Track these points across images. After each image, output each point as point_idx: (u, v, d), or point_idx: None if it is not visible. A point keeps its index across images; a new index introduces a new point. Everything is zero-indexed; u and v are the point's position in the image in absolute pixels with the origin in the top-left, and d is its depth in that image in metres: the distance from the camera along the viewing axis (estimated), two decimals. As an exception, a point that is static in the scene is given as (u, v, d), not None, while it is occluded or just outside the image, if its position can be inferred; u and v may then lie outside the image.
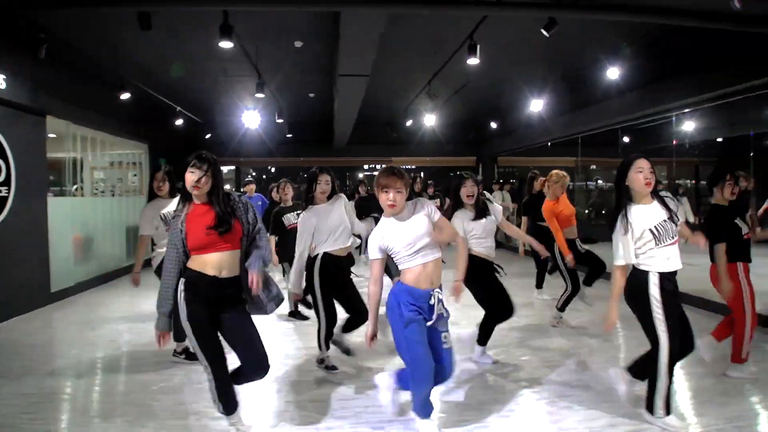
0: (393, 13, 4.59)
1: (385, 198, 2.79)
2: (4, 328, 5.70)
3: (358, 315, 3.90)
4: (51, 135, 7.83)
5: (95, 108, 7.87)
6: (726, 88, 6.11)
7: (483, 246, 4.07)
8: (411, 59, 7.39)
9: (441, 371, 2.88)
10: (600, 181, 15.25)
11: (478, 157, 13.95)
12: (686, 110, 7.18)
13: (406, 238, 2.79)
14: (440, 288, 2.90)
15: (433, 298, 2.81)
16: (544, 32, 5.24)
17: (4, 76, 5.78)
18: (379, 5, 4.06)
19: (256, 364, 2.79)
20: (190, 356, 4.41)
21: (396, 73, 8.11)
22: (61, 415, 3.44)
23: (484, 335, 4.19)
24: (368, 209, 8.91)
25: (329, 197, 3.98)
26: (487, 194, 4.27)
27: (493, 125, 12.19)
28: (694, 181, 12.13)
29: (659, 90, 7.14)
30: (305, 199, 4.03)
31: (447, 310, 2.91)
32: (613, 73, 6.46)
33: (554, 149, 12.19)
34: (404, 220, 2.84)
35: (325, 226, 3.84)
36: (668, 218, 2.94)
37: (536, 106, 8.59)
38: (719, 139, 11.11)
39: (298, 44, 6.58)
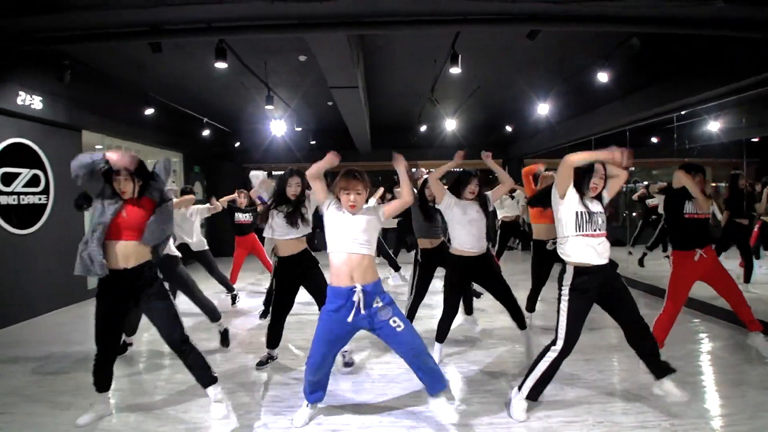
0: (352, 34, 4.94)
1: (346, 199, 3.03)
2: (42, 320, 6.46)
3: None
4: (98, 147, 8.68)
5: (127, 121, 8.63)
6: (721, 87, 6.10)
7: (465, 236, 4.21)
8: (411, 68, 7.71)
9: (413, 348, 3.09)
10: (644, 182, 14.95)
11: (504, 159, 14.06)
12: (692, 109, 7.14)
13: (344, 228, 3.03)
14: (374, 284, 3.04)
15: (356, 294, 2.97)
16: (529, 39, 5.50)
17: (41, 98, 6.55)
18: (336, 29, 4.40)
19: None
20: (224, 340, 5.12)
21: (399, 82, 8.46)
22: (65, 396, 4.02)
23: (439, 333, 4.38)
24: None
25: (299, 198, 4.18)
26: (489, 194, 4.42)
27: (513, 128, 12.32)
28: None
29: (658, 91, 7.19)
30: (275, 199, 4.22)
31: (385, 297, 3.08)
32: (603, 77, 6.57)
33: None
34: (353, 215, 3.07)
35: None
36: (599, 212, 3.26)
37: (543, 110, 8.73)
38: (755, 139, 10.75)
39: (302, 58, 7.03)
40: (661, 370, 3.34)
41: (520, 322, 4.38)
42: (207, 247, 6.56)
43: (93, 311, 3.29)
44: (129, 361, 4.70)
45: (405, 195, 3.24)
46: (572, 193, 3.24)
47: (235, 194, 6.38)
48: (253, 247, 7.70)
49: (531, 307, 5.46)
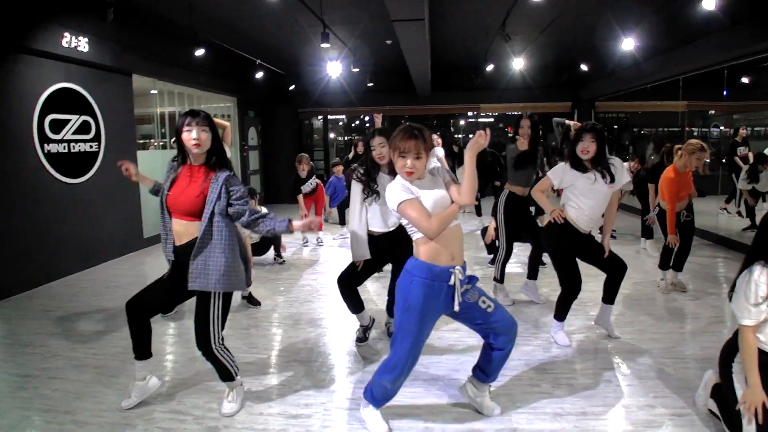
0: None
1: (402, 164, 2.42)
2: (97, 270, 6.37)
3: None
4: (152, 91, 8.44)
5: (179, 65, 8.24)
6: None
7: (579, 208, 3.58)
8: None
9: (505, 333, 2.62)
10: (722, 128, 13.65)
11: (573, 101, 12.99)
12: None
13: (428, 203, 2.41)
14: (464, 266, 2.49)
15: (453, 277, 2.42)
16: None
17: (87, 40, 6.20)
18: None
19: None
20: (252, 301, 4.79)
21: (467, 15, 7.63)
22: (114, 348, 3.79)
23: (558, 310, 3.82)
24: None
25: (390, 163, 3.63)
26: (616, 160, 3.63)
27: (589, 67, 11.21)
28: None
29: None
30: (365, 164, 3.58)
31: (474, 278, 2.55)
32: (709, 3, 5.59)
33: (658, 93, 11.04)
34: (425, 187, 2.46)
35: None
36: None
37: (628, 44, 7.72)
38: None
39: (360, -12, 6.38)
40: None
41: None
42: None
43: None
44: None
45: (464, 196, 2.42)
46: None
47: None
48: (317, 199, 7.85)
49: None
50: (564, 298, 3.72)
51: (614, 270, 3.70)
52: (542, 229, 3.90)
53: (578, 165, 3.54)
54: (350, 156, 8.20)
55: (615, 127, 14.71)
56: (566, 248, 3.65)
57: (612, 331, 3.90)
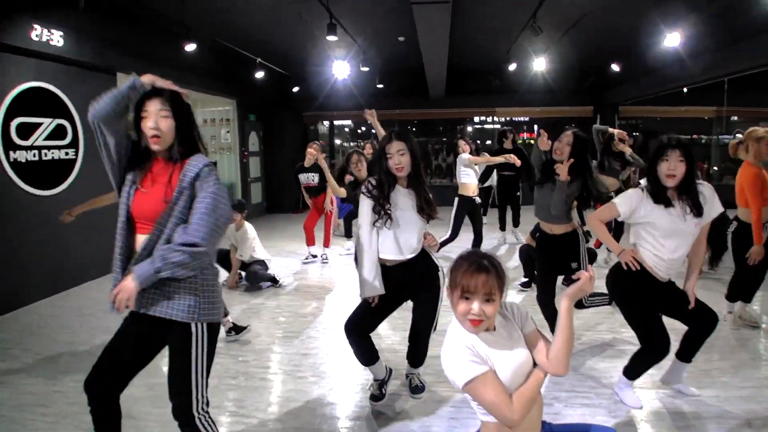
0: None
1: (465, 310, 1.62)
2: (72, 294, 5.62)
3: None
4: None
5: (171, 64, 7.49)
6: None
7: (658, 253, 2.73)
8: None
9: None
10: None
11: (595, 106, 12.18)
12: None
13: (504, 372, 1.62)
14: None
15: None
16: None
17: (62, 33, 5.45)
18: None
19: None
20: (237, 330, 4.11)
21: (492, 7, 6.86)
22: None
23: (632, 368, 2.96)
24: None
25: (411, 175, 2.82)
26: (706, 187, 2.72)
27: (616, 69, 10.36)
28: None
29: None
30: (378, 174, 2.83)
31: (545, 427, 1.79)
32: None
33: (692, 97, 10.24)
34: (499, 346, 1.67)
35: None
36: None
37: (672, 41, 6.88)
38: None
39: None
40: None
41: None
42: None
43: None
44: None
45: (555, 363, 1.66)
46: None
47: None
48: (325, 210, 6.92)
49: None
50: (645, 359, 2.87)
51: (701, 323, 2.83)
52: (607, 274, 3.02)
53: (658, 195, 2.68)
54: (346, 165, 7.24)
55: (635, 134, 14.01)
56: (641, 296, 2.80)
57: (687, 389, 3.09)
